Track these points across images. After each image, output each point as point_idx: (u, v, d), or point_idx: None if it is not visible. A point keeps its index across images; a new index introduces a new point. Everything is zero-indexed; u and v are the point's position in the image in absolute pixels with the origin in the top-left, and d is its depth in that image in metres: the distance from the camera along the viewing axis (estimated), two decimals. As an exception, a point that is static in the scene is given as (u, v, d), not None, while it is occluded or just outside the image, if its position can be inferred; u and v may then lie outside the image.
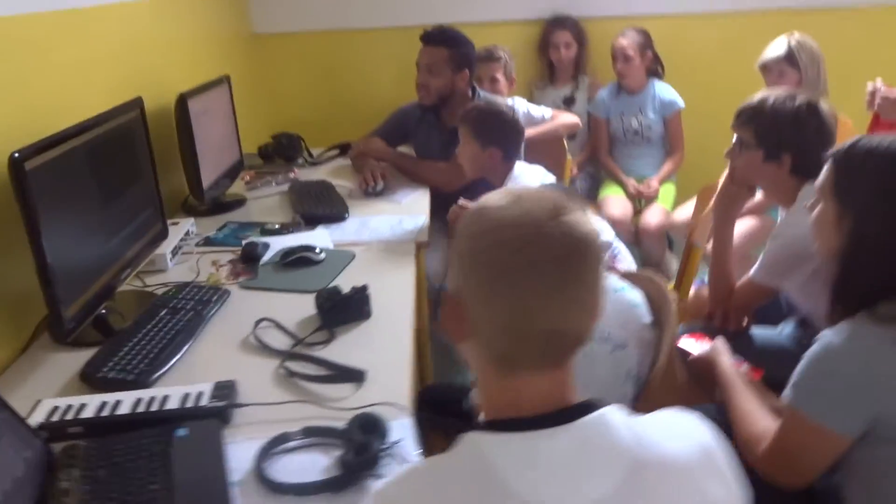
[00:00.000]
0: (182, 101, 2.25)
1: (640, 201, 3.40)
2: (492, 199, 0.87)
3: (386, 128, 2.97)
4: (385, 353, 1.58)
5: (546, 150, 3.07)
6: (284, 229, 2.30)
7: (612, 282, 1.63)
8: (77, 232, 1.59)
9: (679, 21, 3.67)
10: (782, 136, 1.85)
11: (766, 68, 2.93)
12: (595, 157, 3.62)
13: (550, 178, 2.34)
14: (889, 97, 2.01)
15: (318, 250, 2.06)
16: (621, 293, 1.62)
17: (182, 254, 2.16)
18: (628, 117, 3.50)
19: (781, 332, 2.04)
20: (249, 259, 2.09)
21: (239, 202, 2.61)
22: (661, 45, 3.48)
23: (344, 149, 3.16)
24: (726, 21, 3.68)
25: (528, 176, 2.31)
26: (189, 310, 1.76)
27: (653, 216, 3.28)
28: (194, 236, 2.27)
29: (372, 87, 3.84)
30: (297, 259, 2.04)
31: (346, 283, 1.81)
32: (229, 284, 1.95)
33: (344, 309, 1.71)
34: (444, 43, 2.67)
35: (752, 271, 1.94)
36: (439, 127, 2.80)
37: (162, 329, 1.67)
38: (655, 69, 3.50)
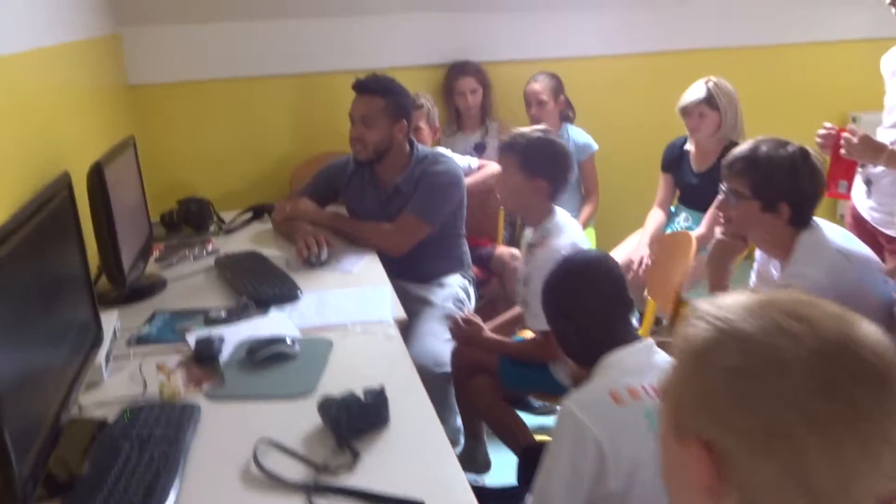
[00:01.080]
0: (98, 171, 1.87)
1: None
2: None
3: (314, 186, 2.68)
4: (429, 467, 1.33)
5: (480, 202, 2.93)
6: (233, 316, 1.96)
7: (662, 357, 1.49)
8: (16, 363, 1.21)
9: (586, 63, 3.68)
10: (779, 186, 1.82)
11: (687, 111, 2.99)
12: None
13: (586, 240, 2.22)
14: (852, 140, 2.04)
15: (289, 341, 1.76)
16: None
17: (114, 359, 1.77)
18: (545, 163, 3.43)
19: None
20: (205, 359, 1.74)
21: (159, 285, 2.22)
22: (570, 87, 3.46)
23: (259, 212, 2.84)
24: (633, 62, 3.75)
25: (572, 229, 2.19)
26: (159, 439, 1.41)
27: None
28: (122, 334, 1.88)
29: (269, 140, 3.52)
30: (269, 355, 1.72)
31: (333, 378, 1.56)
32: (192, 395, 1.60)
33: (362, 418, 1.43)
34: (380, 92, 2.45)
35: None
36: (376, 184, 2.57)
37: (134, 471, 1.31)
38: (567, 113, 3.47)
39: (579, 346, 1.58)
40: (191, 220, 2.69)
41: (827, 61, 3.98)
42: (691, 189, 3.13)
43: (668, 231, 3.11)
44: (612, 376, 1.43)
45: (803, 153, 1.83)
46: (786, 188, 1.82)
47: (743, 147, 1.89)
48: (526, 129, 2.20)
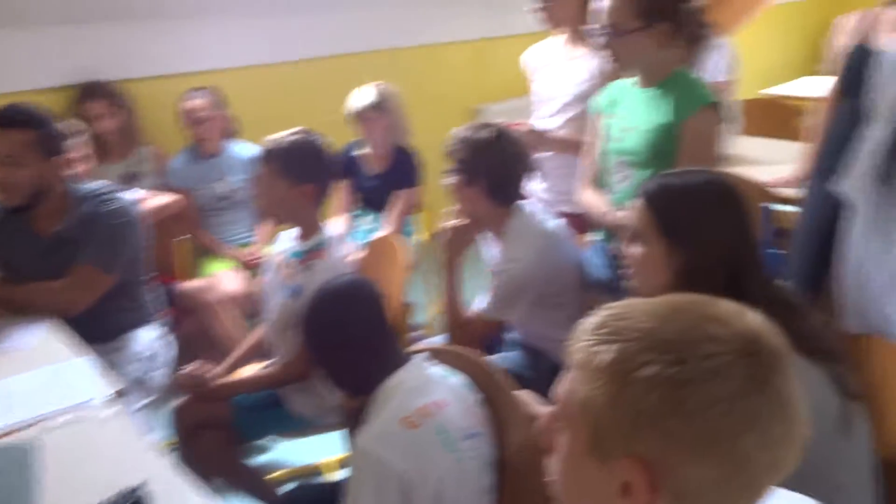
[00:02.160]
0: None
1: (255, 270, 3.14)
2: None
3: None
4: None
5: (154, 237, 2.61)
6: None
7: (436, 370, 1.47)
8: None
9: (244, 73, 3.50)
10: (478, 162, 1.94)
11: (358, 116, 3.02)
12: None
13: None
14: (521, 132, 2.24)
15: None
16: (452, 378, 1.47)
17: None
18: (212, 183, 3.19)
19: (506, 359, 2.11)
20: None
21: None
22: (231, 100, 3.26)
23: None
24: (291, 69, 3.67)
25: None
26: None
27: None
28: None
29: None
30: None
31: (58, 493, 1.27)
32: None
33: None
34: (29, 123, 2.02)
35: (485, 308, 1.97)
36: (31, 234, 2.11)
37: None
38: (230, 128, 3.26)
39: (352, 378, 1.48)
40: None
41: (450, 61, 4.35)
42: (370, 192, 3.18)
43: (358, 235, 3.12)
44: (398, 402, 1.36)
45: (499, 132, 1.96)
46: (481, 164, 1.93)
47: (455, 131, 1.99)
48: (281, 134, 2.01)
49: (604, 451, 0.68)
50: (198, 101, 3.08)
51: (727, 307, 0.71)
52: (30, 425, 1.52)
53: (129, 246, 2.18)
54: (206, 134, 3.11)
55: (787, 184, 2.52)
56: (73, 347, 1.85)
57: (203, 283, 2.86)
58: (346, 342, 1.46)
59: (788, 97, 3.97)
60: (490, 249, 2.11)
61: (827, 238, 2.22)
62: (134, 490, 1.21)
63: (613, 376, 0.67)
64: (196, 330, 2.77)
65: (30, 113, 2.05)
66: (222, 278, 3.01)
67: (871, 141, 1.60)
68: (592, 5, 2.15)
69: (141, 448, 1.46)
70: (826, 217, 2.15)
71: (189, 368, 2.02)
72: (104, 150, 3.07)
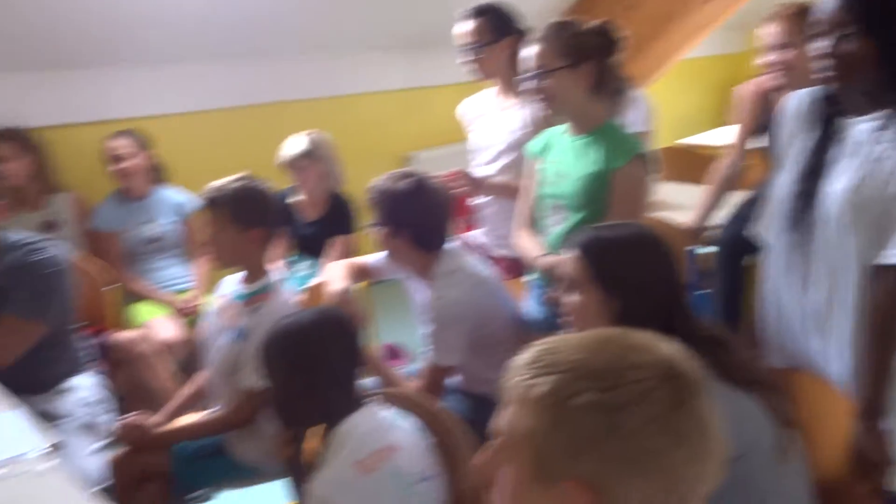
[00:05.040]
0: None
1: (191, 317, 3.08)
2: None
3: None
4: None
5: (84, 285, 2.55)
6: None
7: (388, 413, 1.49)
8: None
9: (172, 121, 3.48)
10: (399, 213, 2.00)
11: (291, 165, 3.05)
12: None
13: None
14: (460, 181, 2.33)
15: None
16: (405, 421, 1.50)
17: None
18: (142, 226, 3.14)
19: (448, 406, 2.13)
20: None
21: None
22: (160, 147, 3.23)
23: None
24: (219, 117, 3.69)
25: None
26: None
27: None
28: None
29: None
30: None
31: None
32: None
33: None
34: None
35: (433, 358, 1.99)
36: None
37: None
38: (157, 171, 3.23)
39: (311, 411, 1.46)
40: None
41: (381, 109, 4.42)
42: (306, 239, 3.18)
43: (295, 282, 3.10)
44: (352, 447, 1.37)
45: (418, 183, 2.02)
46: (403, 215, 1.99)
47: (375, 183, 2.03)
48: (224, 181, 2.02)
49: (548, 476, 0.74)
50: (121, 142, 3.06)
51: (643, 337, 0.79)
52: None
53: (59, 295, 2.12)
54: (130, 175, 3.08)
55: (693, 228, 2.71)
56: (4, 400, 1.78)
57: (136, 333, 2.79)
58: (321, 373, 1.45)
59: (703, 146, 4.21)
60: (420, 294, 2.14)
61: (740, 279, 2.38)
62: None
63: (552, 405, 0.73)
64: (131, 381, 2.69)
65: None
66: (156, 326, 2.94)
67: (778, 187, 1.72)
68: (521, 55, 2.26)
69: (82, 502, 1.41)
70: (738, 258, 2.31)
71: (127, 418, 1.97)
72: (18, 198, 2.98)
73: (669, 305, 1.42)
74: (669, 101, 5.20)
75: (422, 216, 2.00)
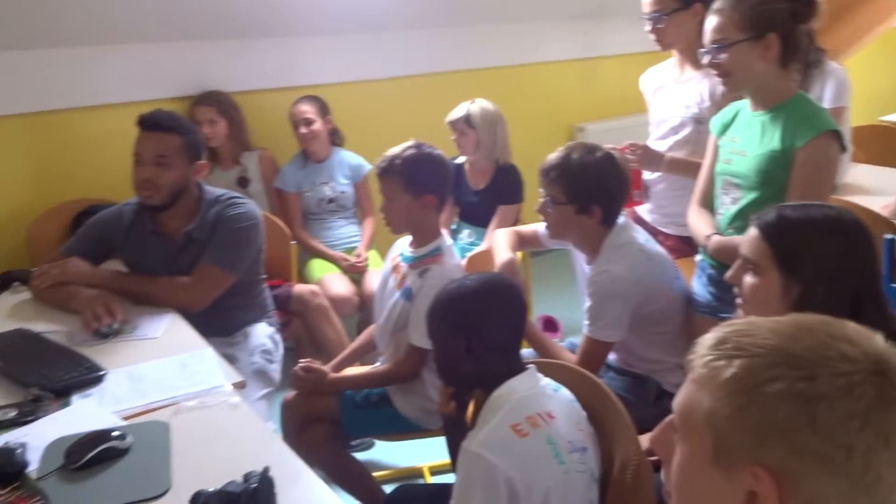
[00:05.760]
0: None
1: (358, 275, 3.25)
2: None
3: (83, 243, 2.30)
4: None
5: (270, 240, 2.74)
6: (27, 415, 1.61)
7: (546, 382, 1.50)
8: None
9: (349, 88, 3.66)
10: (591, 190, 1.95)
11: (452, 126, 3.14)
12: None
13: None
14: (637, 153, 2.26)
15: (117, 433, 1.48)
16: (561, 392, 1.50)
17: None
18: (321, 187, 3.34)
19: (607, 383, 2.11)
20: (9, 476, 1.40)
21: None
22: (336, 113, 3.40)
23: (7, 281, 2.37)
24: (394, 85, 3.81)
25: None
26: None
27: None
28: None
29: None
30: (97, 454, 1.43)
31: (185, 467, 1.37)
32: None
33: (252, 511, 1.25)
34: (177, 129, 2.19)
35: (591, 333, 1.97)
36: (162, 234, 2.27)
37: None
38: (336, 136, 3.41)
39: (471, 373, 1.51)
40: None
41: (555, 79, 4.38)
42: (471, 206, 3.24)
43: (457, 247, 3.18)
44: (508, 410, 1.40)
45: (609, 158, 1.97)
46: (597, 191, 1.95)
47: (556, 155, 2.00)
48: (397, 149, 2.11)
49: (728, 460, 0.71)
50: (305, 107, 3.26)
51: (854, 328, 0.73)
52: (161, 406, 1.64)
53: (250, 249, 2.31)
54: (312, 138, 3.27)
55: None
56: (195, 339, 1.98)
57: (312, 287, 2.98)
58: (484, 335, 1.49)
59: (908, 125, 3.82)
60: (583, 266, 2.12)
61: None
62: (260, 474, 1.29)
63: (739, 390, 0.70)
64: (304, 332, 2.90)
65: (178, 119, 2.23)
66: (330, 282, 3.13)
67: None
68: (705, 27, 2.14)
69: (262, 436, 1.56)
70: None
71: (302, 364, 2.12)
72: (216, 157, 3.27)
73: (858, 297, 1.32)
74: (870, 75, 4.75)
75: (614, 192, 1.97)
